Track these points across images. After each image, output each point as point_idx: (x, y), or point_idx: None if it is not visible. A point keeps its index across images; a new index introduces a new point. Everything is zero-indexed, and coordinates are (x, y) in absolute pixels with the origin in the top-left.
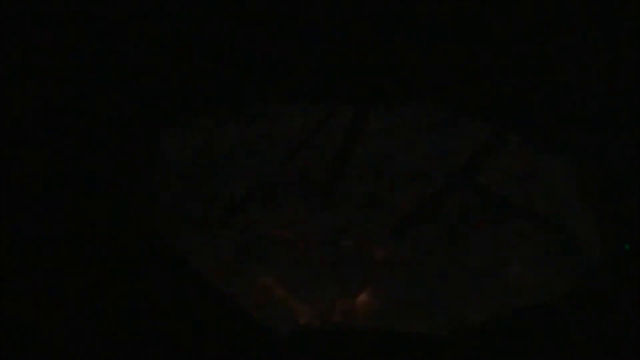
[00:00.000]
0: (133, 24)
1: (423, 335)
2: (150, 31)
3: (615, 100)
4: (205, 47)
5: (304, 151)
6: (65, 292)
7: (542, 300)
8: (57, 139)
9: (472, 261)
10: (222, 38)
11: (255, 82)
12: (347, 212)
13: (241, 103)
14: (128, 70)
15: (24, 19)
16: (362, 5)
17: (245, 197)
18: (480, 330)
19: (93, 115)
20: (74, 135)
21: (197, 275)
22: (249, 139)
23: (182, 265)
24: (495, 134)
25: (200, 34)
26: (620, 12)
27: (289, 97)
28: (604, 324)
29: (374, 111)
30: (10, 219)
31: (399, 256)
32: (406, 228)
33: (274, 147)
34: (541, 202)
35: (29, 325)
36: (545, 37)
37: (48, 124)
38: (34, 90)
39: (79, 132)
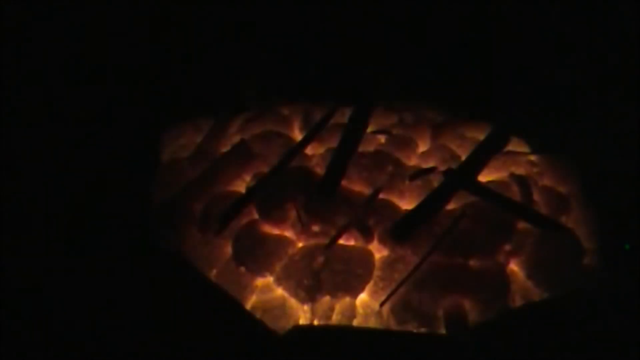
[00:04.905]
0: (134, 24)
1: (423, 335)
2: (151, 31)
3: (616, 101)
4: (206, 47)
5: (304, 151)
6: (65, 293)
7: (542, 300)
8: (57, 138)
9: (472, 261)
10: (222, 38)
11: (256, 82)
12: (347, 212)
13: (241, 103)
14: (128, 71)
15: (24, 20)
16: (362, 6)
17: (239, 201)
18: (480, 330)
19: (93, 115)
20: (75, 135)
21: (197, 275)
22: (249, 139)
23: (182, 265)
24: (495, 133)
25: (200, 34)
26: (620, 13)
27: (289, 97)
28: (604, 323)
29: (373, 111)
30: (10, 217)
31: (399, 256)
32: (406, 228)
33: (273, 147)
34: (541, 202)
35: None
36: (545, 38)
37: (47, 124)
38: (35, 89)
39: (79, 132)
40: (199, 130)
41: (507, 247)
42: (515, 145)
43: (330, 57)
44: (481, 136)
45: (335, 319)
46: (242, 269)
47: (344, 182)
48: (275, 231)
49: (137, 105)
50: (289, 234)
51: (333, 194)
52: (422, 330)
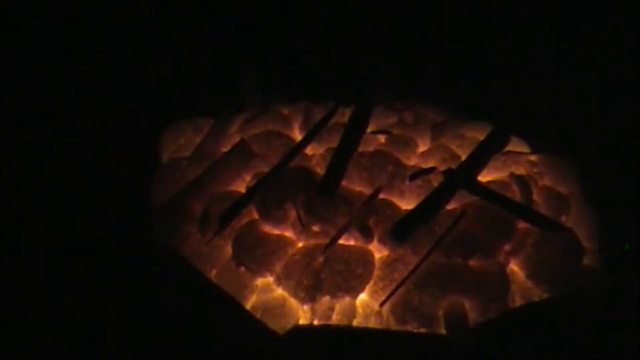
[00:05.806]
0: (135, 24)
1: (423, 335)
2: (151, 32)
3: (615, 101)
4: (205, 47)
5: (304, 151)
6: (65, 293)
7: (542, 300)
8: (57, 138)
9: (472, 261)
10: (222, 38)
11: (256, 82)
12: (347, 212)
13: (241, 103)
14: (128, 71)
15: (24, 20)
16: (362, 6)
17: (239, 201)
18: (480, 330)
19: (93, 115)
20: (75, 135)
21: (197, 275)
22: (249, 139)
23: (182, 265)
24: (495, 133)
25: (200, 34)
26: (620, 13)
27: (289, 97)
28: (604, 324)
29: (373, 111)
30: (10, 217)
31: (399, 256)
32: (406, 228)
33: (273, 147)
34: (541, 202)
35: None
36: (545, 38)
37: (47, 124)
38: (34, 88)
39: (79, 132)
40: (199, 130)
41: (507, 247)
42: (515, 145)
43: (330, 58)
44: (481, 136)
45: (335, 319)
46: (242, 269)
47: (344, 182)
48: (275, 231)
49: (137, 105)
50: (289, 234)
51: (333, 194)
52: (422, 330)
